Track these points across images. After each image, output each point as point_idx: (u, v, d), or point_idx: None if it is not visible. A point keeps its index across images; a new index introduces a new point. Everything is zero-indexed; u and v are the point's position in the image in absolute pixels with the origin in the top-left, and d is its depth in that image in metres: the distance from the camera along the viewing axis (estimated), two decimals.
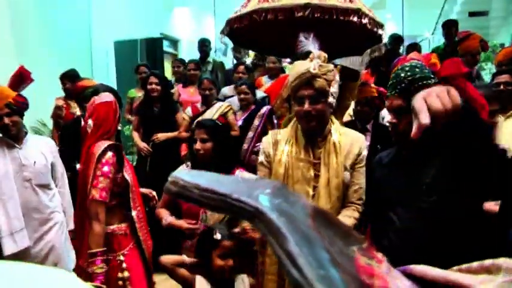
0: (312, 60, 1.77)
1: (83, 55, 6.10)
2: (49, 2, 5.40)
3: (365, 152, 1.93)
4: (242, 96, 3.99)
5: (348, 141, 1.88)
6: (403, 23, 6.86)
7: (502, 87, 2.84)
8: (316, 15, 2.40)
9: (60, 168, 2.84)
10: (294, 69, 1.84)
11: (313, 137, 1.89)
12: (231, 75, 5.04)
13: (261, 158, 2.00)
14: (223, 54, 8.38)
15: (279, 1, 2.47)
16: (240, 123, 3.95)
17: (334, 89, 1.79)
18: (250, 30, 2.74)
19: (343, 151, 1.86)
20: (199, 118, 3.72)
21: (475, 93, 1.42)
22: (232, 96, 4.53)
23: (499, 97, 2.83)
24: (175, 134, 3.91)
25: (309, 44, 1.82)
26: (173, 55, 8.75)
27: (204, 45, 5.76)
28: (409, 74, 1.46)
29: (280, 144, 1.94)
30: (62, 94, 4.49)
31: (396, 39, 5.29)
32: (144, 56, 6.57)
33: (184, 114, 4.01)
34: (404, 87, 1.46)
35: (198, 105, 4.10)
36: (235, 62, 6.01)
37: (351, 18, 2.47)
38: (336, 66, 2.96)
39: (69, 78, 4.25)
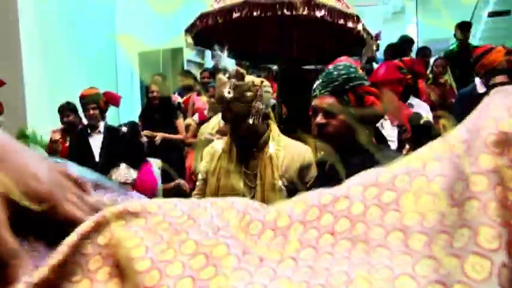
0: (230, 77, 1.70)
1: (107, 66, 6.41)
2: (74, 14, 5.72)
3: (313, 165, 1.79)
4: None
5: (288, 155, 1.78)
6: (418, 27, 6.87)
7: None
8: (317, 15, 2.31)
9: None
10: (216, 86, 1.79)
11: (247, 149, 1.83)
12: None
13: (200, 167, 1.97)
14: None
15: None
16: None
17: (261, 104, 1.71)
18: (214, 29, 2.68)
19: (281, 165, 1.76)
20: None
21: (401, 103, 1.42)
22: None
23: None
24: (180, 137, 4.08)
25: (224, 57, 1.76)
26: (199, 64, 9.00)
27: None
28: (343, 72, 1.40)
29: (215, 155, 1.90)
30: None
31: (406, 42, 5.25)
32: (167, 66, 6.85)
33: (191, 120, 4.19)
34: (338, 86, 1.39)
35: (206, 111, 4.22)
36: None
37: (349, 24, 2.43)
38: None
39: (73, 110, 3.99)
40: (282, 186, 1.73)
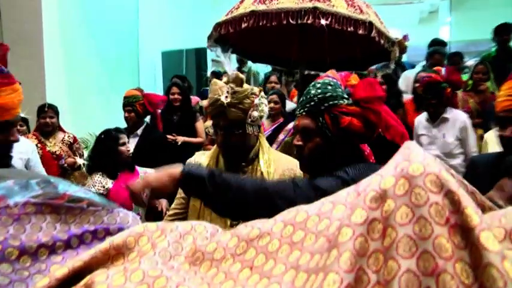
0: (228, 82, 1.65)
1: (130, 66, 6.63)
2: (97, 13, 5.93)
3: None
4: (271, 105, 4.15)
5: (279, 169, 1.72)
6: (451, 27, 6.65)
7: None
8: (322, 23, 2.30)
9: (39, 167, 3.00)
10: (210, 90, 1.70)
11: (236, 163, 1.74)
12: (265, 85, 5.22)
13: None
14: None
15: (278, 3, 2.36)
16: (268, 133, 4.10)
17: (251, 118, 1.67)
18: (240, 34, 2.72)
19: (272, 179, 1.68)
20: None
21: (393, 118, 1.36)
22: None
23: None
24: (199, 140, 4.13)
25: (224, 62, 1.72)
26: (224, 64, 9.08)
27: None
28: (319, 91, 1.34)
29: None
30: (109, 107, 4.57)
31: (437, 44, 5.04)
32: (191, 66, 6.99)
33: (210, 127, 4.23)
34: (314, 106, 1.34)
35: None
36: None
37: (360, 31, 2.39)
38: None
39: (57, 113, 3.90)
40: None
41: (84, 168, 3.74)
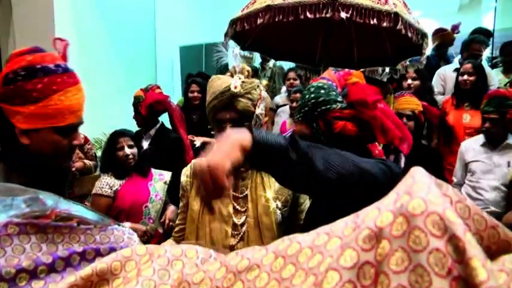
0: (233, 76, 1.65)
1: (147, 61, 6.64)
2: (112, 7, 5.95)
3: None
4: (294, 104, 4.08)
5: None
6: (496, 14, 6.32)
7: None
8: (342, 16, 2.26)
9: None
10: (212, 85, 1.70)
11: (236, 167, 1.72)
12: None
13: (181, 191, 1.89)
14: None
15: None
16: (290, 133, 4.05)
17: (260, 109, 1.65)
18: (259, 31, 2.70)
19: (273, 185, 1.69)
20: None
21: (392, 121, 1.30)
22: (285, 105, 4.66)
23: None
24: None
25: (229, 54, 1.71)
26: (248, 58, 9.09)
27: None
28: (312, 96, 1.35)
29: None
30: (125, 105, 4.31)
31: (479, 34, 4.62)
32: (209, 61, 6.98)
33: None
34: (308, 112, 1.35)
35: None
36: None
37: (384, 23, 2.32)
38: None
39: None
40: (276, 209, 1.70)
41: (94, 171, 3.83)
